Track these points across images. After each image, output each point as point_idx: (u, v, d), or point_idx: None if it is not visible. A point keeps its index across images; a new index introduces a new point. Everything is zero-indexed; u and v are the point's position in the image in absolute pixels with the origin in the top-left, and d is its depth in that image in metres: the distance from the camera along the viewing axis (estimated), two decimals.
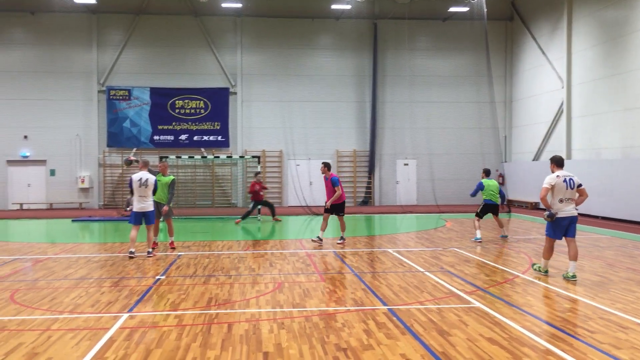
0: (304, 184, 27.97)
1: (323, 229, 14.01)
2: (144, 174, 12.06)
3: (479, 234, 14.58)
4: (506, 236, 15.35)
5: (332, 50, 28.61)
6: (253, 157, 23.53)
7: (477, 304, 7.78)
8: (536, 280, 9.38)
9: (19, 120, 26.93)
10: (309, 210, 24.39)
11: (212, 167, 28.03)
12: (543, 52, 26.07)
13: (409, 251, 12.91)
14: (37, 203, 27.00)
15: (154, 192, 12.15)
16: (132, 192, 12.07)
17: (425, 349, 5.88)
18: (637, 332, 6.45)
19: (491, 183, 15.14)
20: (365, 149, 28.56)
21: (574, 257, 9.38)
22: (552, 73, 25.36)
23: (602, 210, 20.80)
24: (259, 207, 20.89)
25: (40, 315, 7.19)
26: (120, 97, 27.46)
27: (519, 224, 19.46)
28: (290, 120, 28.24)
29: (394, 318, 7.09)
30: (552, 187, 9.35)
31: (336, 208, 14.09)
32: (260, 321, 6.96)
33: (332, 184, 13.94)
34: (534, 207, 25.28)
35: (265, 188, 21.14)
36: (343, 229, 14.25)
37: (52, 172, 27.30)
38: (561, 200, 9.33)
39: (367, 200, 28.49)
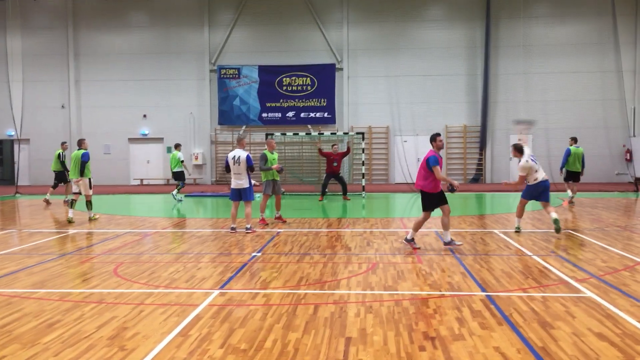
0: (411, 160, 27.32)
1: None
2: (237, 152, 12.18)
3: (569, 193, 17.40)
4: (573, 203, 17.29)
5: (441, 22, 27.51)
6: (357, 133, 23.24)
7: (589, 294, 7.04)
8: None
9: (138, 100, 28.48)
10: (414, 188, 23.74)
11: (318, 144, 28.06)
12: None
13: (517, 232, 12.10)
14: (155, 179, 28.55)
15: (252, 169, 12.24)
16: (227, 170, 12.27)
17: (522, 343, 5.36)
18: None
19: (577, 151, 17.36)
20: (477, 124, 27.35)
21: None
22: None
23: None
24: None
25: (137, 289, 7.42)
26: (230, 76, 28.17)
27: None
28: (397, 95, 27.60)
29: (492, 306, 6.57)
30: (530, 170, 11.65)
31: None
32: (348, 304, 6.72)
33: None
34: None
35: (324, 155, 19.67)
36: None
37: (169, 149, 28.65)
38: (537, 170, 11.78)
39: (477, 178, 27.35)
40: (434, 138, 10.16)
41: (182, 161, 19.76)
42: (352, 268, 8.71)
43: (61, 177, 19.15)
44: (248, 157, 12.25)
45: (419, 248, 10.12)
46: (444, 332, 5.67)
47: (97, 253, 10.08)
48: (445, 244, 10.17)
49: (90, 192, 14.56)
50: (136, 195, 23.36)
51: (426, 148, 29.14)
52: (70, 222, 14.10)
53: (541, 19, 26.93)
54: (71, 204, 14.62)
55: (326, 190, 19.60)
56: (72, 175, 14.67)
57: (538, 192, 11.80)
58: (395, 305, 6.62)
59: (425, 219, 10.16)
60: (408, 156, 27.30)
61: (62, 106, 28.76)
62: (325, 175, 19.72)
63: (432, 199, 10.04)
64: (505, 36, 27.02)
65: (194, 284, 7.66)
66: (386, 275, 8.16)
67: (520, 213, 12.22)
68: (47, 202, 19.21)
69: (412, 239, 10.20)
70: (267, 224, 13.40)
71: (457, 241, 10.34)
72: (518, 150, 11.82)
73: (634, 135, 26.68)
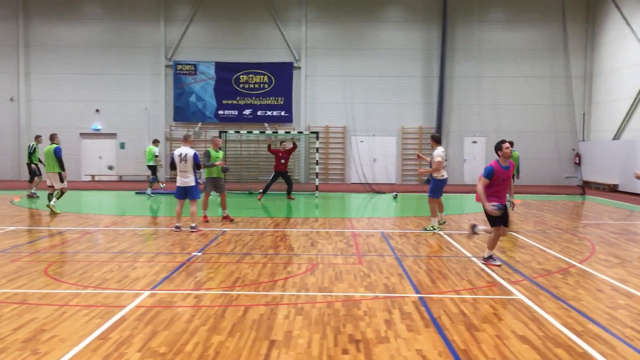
0: (367, 161, 27.42)
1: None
2: (184, 149, 12.00)
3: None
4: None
5: (398, 23, 27.66)
6: (312, 133, 23.18)
7: (519, 296, 7.15)
8: (595, 272, 8.57)
9: (91, 94, 27.78)
10: (369, 188, 23.89)
11: (275, 143, 27.91)
12: (627, 23, 24.11)
13: (462, 234, 12.24)
14: (107, 175, 27.93)
15: (198, 167, 12.10)
16: (173, 167, 12.07)
17: (445, 345, 5.38)
18: None
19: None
20: (432, 125, 27.59)
21: (442, 209, 12.77)
22: (636, 45, 23.42)
23: None
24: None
25: (64, 290, 7.20)
26: (187, 72, 27.76)
27: (590, 207, 18.20)
28: (354, 95, 27.64)
29: (422, 308, 6.60)
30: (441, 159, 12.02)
31: None
32: (279, 305, 6.66)
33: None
34: (612, 190, 23.62)
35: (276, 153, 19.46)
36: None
37: (122, 145, 28.11)
38: (444, 167, 12.31)
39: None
40: (499, 147, 8.67)
41: (157, 156, 20.70)
42: (291, 269, 8.65)
43: (31, 170, 19.53)
44: (195, 155, 12.09)
45: (499, 265, 8.83)
46: (370, 335, 5.66)
47: (31, 251, 9.76)
48: (484, 259, 9.01)
49: (62, 185, 15.02)
50: (86, 192, 22.79)
51: (382, 148, 29.20)
52: (54, 213, 14.68)
53: (495, 24, 27.35)
54: (49, 197, 15.06)
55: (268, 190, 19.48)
56: (48, 170, 15.10)
57: (442, 187, 12.48)
58: (327, 307, 6.59)
59: (496, 235, 8.86)
60: (364, 156, 27.39)
61: (11, 99, 27.84)
62: (273, 173, 19.55)
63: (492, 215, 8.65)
64: (460, 39, 27.34)
65: (125, 285, 7.48)
66: (324, 277, 8.12)
67: (436, 212, 12.58)
68: (32, 196, 19.34)
69: (490, 257, 9.00)
70: (208, 221, 13.31)
71: (498, 260, 8.99)
72: (436, 140, 12.62)
73: (583, 140, 27.37)
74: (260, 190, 19.65)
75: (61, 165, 15.03)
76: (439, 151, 12.37)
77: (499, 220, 8.68)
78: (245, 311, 6.38)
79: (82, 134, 28.06)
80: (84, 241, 10.94)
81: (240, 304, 6.70)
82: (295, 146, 19.83)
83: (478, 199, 8.71)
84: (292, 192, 19.89)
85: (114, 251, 9.83)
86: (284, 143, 19.71)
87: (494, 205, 8.41)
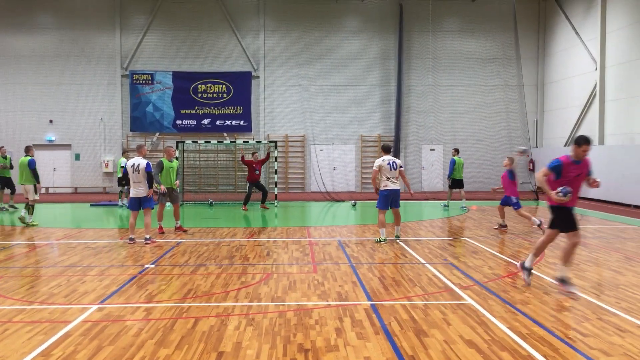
0: (327, 169, 27.50)
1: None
2: (137, 160, 11.85)
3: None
4: (446, 205, 19.79)
5: (356, 33, 27.93)
6: (270, 142, 23.15)
7: (469, 301, 7.26)
8: (543, 275, 8.77)
9: (44, 104, 27.16)
10: (328, 197, 23.97)
11: (234, 152, 27.81)
12: (576, 32, 24.88)
13: (417, 241, 12.39)
14: (62, 187, 27.32)
15: (150, 175, 11.96)
16: (126, 178, 11.90)
17: (394, 352, 5.43)
18: (635, 336, 5.85)
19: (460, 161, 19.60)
20: (390, 133, 27.87)
21: (399, 223, 12.59)
22: (585, 54, 24.20)
23: (635, 198, 19.75)
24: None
25: (9, 306, 7.00)
26: (143, 82, 27.41)
27: (543, 212, 18.62)
28: (313, 104, 27.73)
29: (374, 315, 6.64)
30: (379, 168, 11.92)
31: None
32: (231, 316, 6.61)
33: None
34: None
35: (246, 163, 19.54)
36: None
37: (77, 157, 27.54)
38: (387, 178, 11.91)
39: None
40: (579, 143, 7.47)
41: (122, 167, 19.88)
42: (245, 279, 8.59)
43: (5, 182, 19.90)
44: (147, 165, 11.93)
45: (528, 284, 8.09)
46: (320, 344, 5.67)
47: None
48: (559, 280, 7.77)
49: (36, 197, 15.19)
50: (39, 205, 22.18)
51: (341, 157, 29.19)
52: (27, 224, 14.90)
53: (450, 34, 27.86)
54: (28, 208, 15.17)
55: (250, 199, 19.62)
56: (21, 181, 15.29)
57: (390, 199, 12.12)
58: (279, 317, 6.57)
59: (548, 239, 7.92)
60: (323, 165, 27.47)
61: None
62: (248, 184, 19.62)
63: (560, 215, 7.69)
64: (417, 49, 27.75)
65: (73, 299, 7.31)
66: (277, 286, 8.10)
67: (383, 223, 12.04)
68: (13, 207, 19.77)
69: (530, 269, 8.16)
70: (164, 232, 13.16)
71: (574, 288, 7.65)
72: (383, 149, 12.40)
73: (536, 146, 28.04)
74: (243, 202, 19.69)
75: (35, 177, 15.14)
76: (378, 160, 12.03)
77: (559, 223, 7.70)
78: (195, 323, 6.31)
79: (35, 146, 27.27)
80: (33, 255, 10.66)
81: (191, 315, 6.62)
82: (268, 156, 20.18)
83: (550, 200, 7.69)
84: (251, 202, 19.81)
85: (64, 265, 9.61)
86: (256, 154, 19.72)
87: (558, 193, 7.37)
